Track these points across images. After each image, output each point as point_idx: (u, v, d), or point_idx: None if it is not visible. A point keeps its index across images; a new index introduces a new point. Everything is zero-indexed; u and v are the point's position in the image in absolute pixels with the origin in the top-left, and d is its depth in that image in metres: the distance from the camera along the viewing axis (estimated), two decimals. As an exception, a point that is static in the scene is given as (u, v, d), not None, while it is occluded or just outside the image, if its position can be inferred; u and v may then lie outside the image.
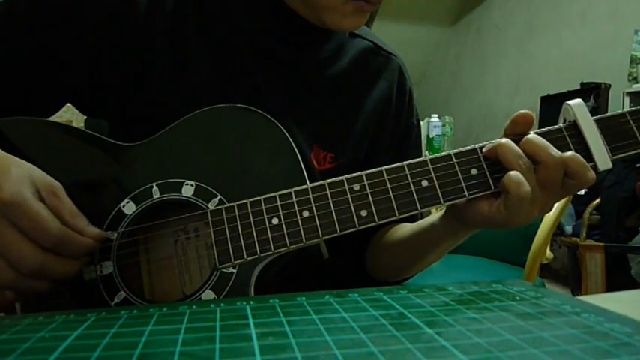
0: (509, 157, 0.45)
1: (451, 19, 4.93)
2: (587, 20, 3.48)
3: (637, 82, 2.96)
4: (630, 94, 2.94)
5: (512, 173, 0.44)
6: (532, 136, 0.46)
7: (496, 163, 0.47)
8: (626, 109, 0.48)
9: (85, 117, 0.68)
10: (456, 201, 0.47)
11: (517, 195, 0.44)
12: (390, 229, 0.66)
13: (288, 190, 0.48)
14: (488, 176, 0.47)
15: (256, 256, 0.47)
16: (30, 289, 0.43)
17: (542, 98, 3.50)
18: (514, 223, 0.46)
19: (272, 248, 0.47)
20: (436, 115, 2.89)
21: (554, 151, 0.45)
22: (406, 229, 0.62)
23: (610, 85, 3.09)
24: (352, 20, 0.55)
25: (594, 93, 3.07)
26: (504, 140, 0.46)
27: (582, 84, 3.25)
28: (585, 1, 3.49)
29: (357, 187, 0.48)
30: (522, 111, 0.47)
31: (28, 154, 0.47)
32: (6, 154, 0.44)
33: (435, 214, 0.55)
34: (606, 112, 0.48)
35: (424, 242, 0.58)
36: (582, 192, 2.87)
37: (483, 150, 0.48)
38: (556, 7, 3.74)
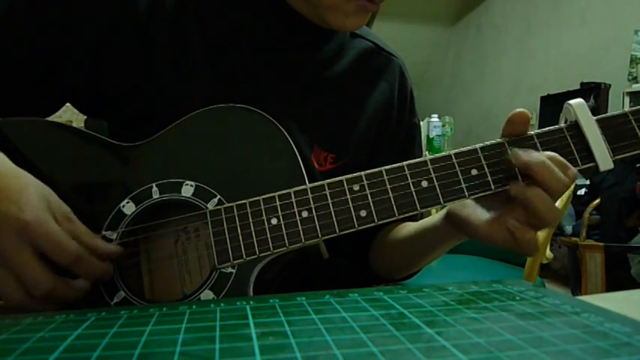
0: (547, 179, 0.43)
1: (451, 19, 4.93)
2: (587, 20, 3.48)
3: (637, 82, 2.96)
4: (630, 94, 2.94)
5: (553, 206, 0.44)
6: (547, 160, 0.44)
7: (497, 164, 0.47)
8: (628, 108, 0.48)
9: (85, 117, 0.68)
10: (456, 201, 0.47)
11: (546, 222, 0.44)
12: (393, 229, 0.66)
13: (288, 190, 0.48)
14: (489, 177, 0.47)
15: (255, 256, 0.47)
16: (34, 309, 0.43)
17: (542, 98, 3.50)
18: (510, 249, 0.46)
19: (271, 248, 0.47)
20: (436, 115, 2.89)
21: (562, 176, 0.44)
22: (408, 229, 0.62)
23: (610, 85, 3.09)
24: (354, 19, 0.55)
25: (594, 93, 3.07)
26: (545, 159, 0.44)
27: (582, 84, 3.25)
28: (585, 1, 3.49)
29: (356, 187, 0.48)
30: (518, 110, 0.47)
31: (29, 154, 0.47)
32: (20, 170, 0.45)
33: (437, 215, 0.55)
34: (606, 112, 0.48)
35: (427, 243, 0.59)
36: (582, 192, 2.88)
37: (515, 158, 0.45)
38: (556, 7, 3.74)
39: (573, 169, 0.46)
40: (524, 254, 0.45)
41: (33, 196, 0.43)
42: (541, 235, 1.33)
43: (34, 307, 0.43)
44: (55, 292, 0.42)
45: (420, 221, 0.60)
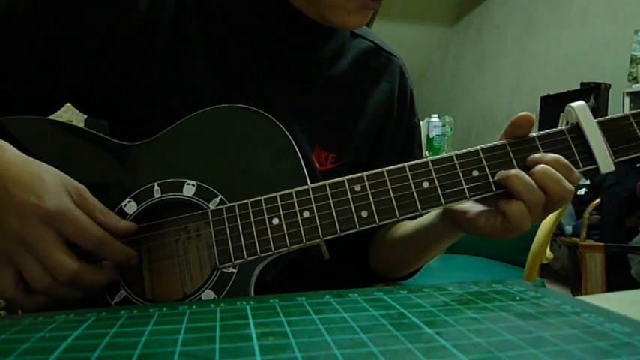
0: (520, 190, 0.45)
1: (451, 19, 4.92)
2: (587, 20, 3.48)
3: (637, 82, 2.96)
4: (630, 94, 2.93)
5: (518, 207, 0.44)
6: (545, 167, 0.45)
7: (498, 165, 0.47)
8: (629, 111, 0.48)
9: (85, 117, 0.68)
10: (457, 203, 0.48)
11: (518, 227, 0.45)
12: (391, 227, 0.66)
13: (289, 191, 0.48)
14: (490, 178, 0.47)
15: (256, 256, 0.47)
16: (63, 296, 0.44)
17: (542, 98, 3.50)
18: (508, 238, 0.47)
19: (272, 248, 0.47)
20: (436, 115, 2.89)
21: (566, 184, 0.45)
22: (406, 227, 0.62)
23: (610, 85, 3.09)
24: (356, 18, 0.56)
25: (594, 93, 3.06)
26: (514, 172, 0.45)
27: (582, 84, 3.25)
28: (585, 1, 3.49)
29: (357, 187, 0.48)
30: (523, 113, 0.47)
31: (30, 152, 0.47)
32: (28, 157, 0.45)
33: (433, 212, 0.56)
34: (606, 112, 0.49)
35: (425, 240, 0.59)
36: (582, 192, 2.88)
37: (495, 177, 0.47)
38: (556, 7, 3.74)
39: (576, 173, 0.46)
40: (518, 232, 0.46)
41: (49, 182, 0.43)
42: (541, 235, 1.33)
43: (62, 292, 0.44)
44: (80, 275, 0.43)
45: (417, 219, 0.60)
